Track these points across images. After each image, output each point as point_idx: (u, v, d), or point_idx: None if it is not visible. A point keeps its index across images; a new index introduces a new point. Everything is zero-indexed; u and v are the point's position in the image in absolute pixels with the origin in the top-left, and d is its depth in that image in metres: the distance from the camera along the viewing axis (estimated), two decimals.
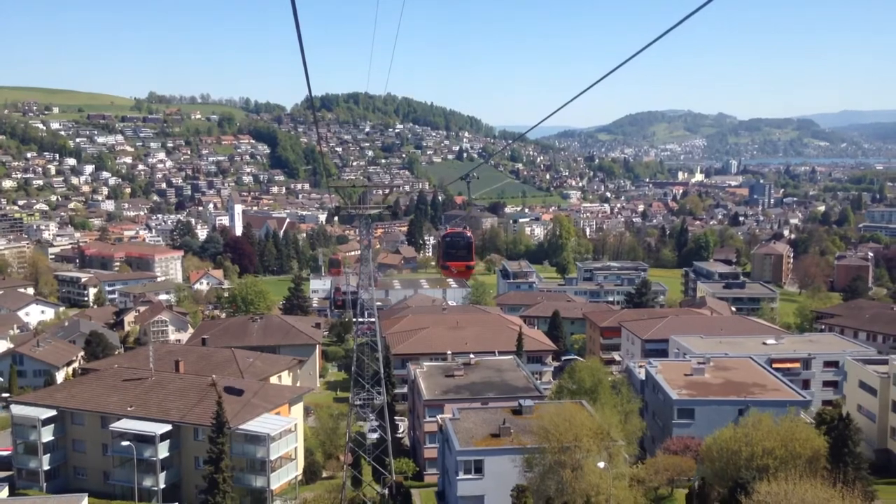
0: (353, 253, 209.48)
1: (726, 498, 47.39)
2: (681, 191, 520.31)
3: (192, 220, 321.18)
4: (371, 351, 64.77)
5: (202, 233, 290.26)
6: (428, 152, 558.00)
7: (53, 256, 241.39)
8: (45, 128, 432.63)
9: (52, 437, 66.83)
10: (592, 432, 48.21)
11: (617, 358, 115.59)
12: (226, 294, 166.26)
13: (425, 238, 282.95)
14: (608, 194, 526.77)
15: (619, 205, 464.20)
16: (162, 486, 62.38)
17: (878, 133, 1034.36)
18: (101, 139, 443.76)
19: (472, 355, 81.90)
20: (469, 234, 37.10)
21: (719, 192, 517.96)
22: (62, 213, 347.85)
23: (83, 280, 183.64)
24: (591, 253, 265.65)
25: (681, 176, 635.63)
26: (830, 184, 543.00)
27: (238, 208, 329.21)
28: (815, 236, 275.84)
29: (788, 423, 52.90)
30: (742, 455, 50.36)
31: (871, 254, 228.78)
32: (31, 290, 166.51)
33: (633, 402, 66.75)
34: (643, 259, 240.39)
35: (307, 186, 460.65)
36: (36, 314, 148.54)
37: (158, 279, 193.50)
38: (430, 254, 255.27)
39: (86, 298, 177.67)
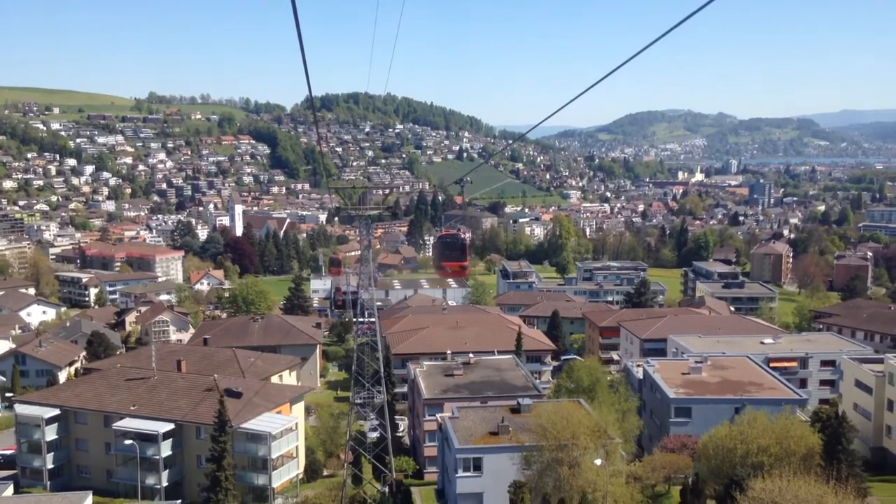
0: (353, 253, 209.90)
1: (722, 495, 48.01)
2: (681, 190, 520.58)
3: (193, 221, 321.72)
4: (371, 350, 65.30)
5: (202, 233, 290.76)
6: (428, 152, 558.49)
7: (54, 257, 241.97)
8: (45, 128, 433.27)
9: (56, 436, 67.43)
10: (589, 430, 48.77)
11: (616, 357, 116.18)
12: (226, 294, 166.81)
13: (425, 238, 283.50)
14: (608, 194, 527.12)
15: (619, 205, 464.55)
16: (165, 484, 62.95)
17: (879, 132, 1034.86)
18: (101, 139, 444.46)
19: (471, 355, 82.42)
20: (463, 237, 37.99)
21: (719, 192, 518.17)
22: (63, 214, 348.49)
23: (84, 280, 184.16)
24: (590, 253, 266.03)
25: (681, 176, 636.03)
26: (830, 183, 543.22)
27: (238, 208, 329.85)
28: (815, 236, 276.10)
29: (783, 421, 53.42)
30: (737, 452, 50.92)
31: (870, 253, 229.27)
32: (32, 291, 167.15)
33: (630, 400, 67.30)
34: (643, 259, 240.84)
35: (307, 186, 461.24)
36: (37, 314, 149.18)
37: (159, 279, 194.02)
38: (430, 254, 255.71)
39: (87, 299, 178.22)
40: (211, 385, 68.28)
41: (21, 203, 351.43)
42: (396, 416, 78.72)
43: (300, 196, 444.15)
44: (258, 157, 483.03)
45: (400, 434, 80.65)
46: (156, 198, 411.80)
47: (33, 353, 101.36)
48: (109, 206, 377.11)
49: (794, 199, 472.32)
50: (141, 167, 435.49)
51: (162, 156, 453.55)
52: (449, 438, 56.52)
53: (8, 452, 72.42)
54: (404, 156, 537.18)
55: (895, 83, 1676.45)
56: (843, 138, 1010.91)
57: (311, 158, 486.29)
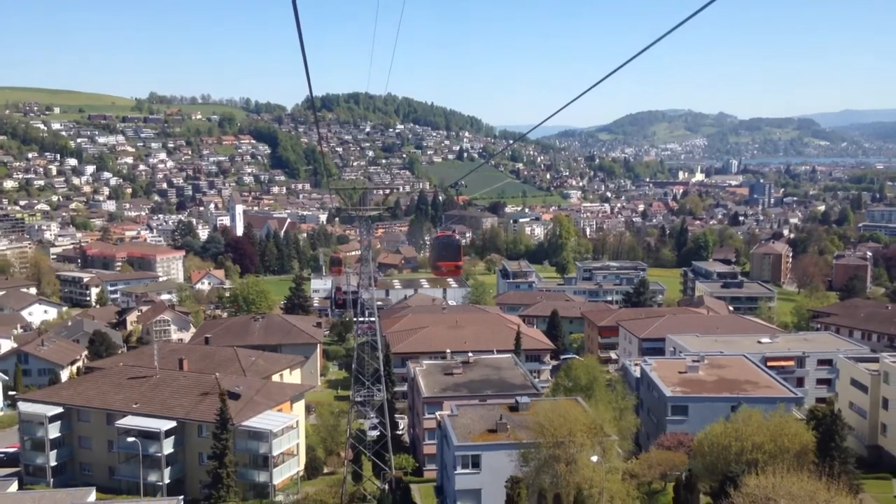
0: (353, 252, 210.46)
1: (716, 491, 48.61)
2: (681, 190, 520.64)
3: (194, 221, 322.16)
4: (371, 349, 65.84)
5: (203, 233, 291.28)
6: (428, 152, 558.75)
7: (55, 257, 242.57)
8: (46, 128, 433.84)
9: (59, 434, 68.09)
10: (586, 427, 49.31)
11: (614, 356, 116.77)
12: (227, 294, 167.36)
13: (425, 238, 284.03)
14: (608, 194, 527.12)
15: (619, 204, 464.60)
16: (167, 480, 63.65)
17: (879, 132, 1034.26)
18: (102, 139, 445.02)
19: (470, 354, 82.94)
20: (457, 238, 38.85)
21: (719, 192, 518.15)
22: (63, 214, 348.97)
23: (85, 280, 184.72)
24: (590, 253, 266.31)
25: (681, 175, 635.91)
26: (830, 183, 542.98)
27: (239, 208, 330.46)
28: (815, 236, 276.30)
29: (778, 419, 54.03)
30: (732, 449, 51.55)
31: (869, 253, 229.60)
32: (33, 290, 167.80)
33: (627, 398, 67.90)
34: (643, 259, 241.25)
35: (308, 186, 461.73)
36: (39, 314, 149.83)
37: (160, 279, 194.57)
38: (427, 254, 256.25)
39: (88, 298, 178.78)
40: (212, 383, 68.91)
41: (22, 203, 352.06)
42: (396, 415, 79.26)
43: (301, 196, 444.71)
44: (259, 157, 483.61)
45: (400, 432, 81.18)
46: (156, 198, 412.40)
47: (35, 351, 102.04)
48: (110, 205, 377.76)
49: (794, 199, 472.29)
50: (142, 167, 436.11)
51: (162, 156, 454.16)
52: (448, 436, 57.10)
53: (11, 450, 73.12)
54: (405, 156, 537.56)
55: (895, 83, 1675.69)
56: (843, 138, 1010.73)
57: (311, 158, 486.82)
